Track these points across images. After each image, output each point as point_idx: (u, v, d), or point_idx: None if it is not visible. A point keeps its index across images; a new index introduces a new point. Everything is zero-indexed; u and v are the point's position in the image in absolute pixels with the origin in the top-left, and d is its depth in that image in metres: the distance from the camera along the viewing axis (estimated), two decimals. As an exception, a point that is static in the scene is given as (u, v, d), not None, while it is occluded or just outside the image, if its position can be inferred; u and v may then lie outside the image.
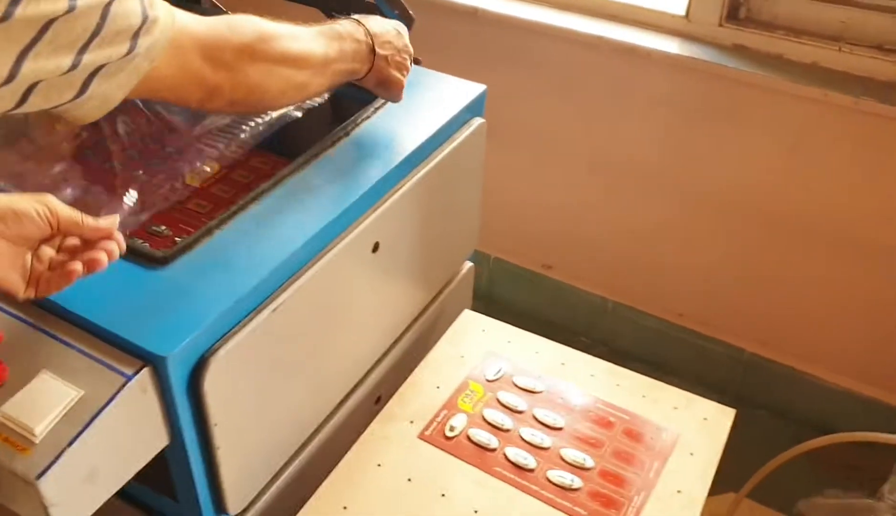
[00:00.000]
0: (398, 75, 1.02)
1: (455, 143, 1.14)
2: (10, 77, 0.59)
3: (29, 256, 0.75)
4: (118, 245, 0.77)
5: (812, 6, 1.55)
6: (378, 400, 1.17)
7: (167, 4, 0.74)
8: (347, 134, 1.07)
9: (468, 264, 1.35)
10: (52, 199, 0.76)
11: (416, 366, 1.20)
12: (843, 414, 1.74)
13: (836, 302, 1.69)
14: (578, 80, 1.74)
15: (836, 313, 1.70)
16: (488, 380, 1.14)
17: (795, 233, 1.66)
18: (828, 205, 1.60)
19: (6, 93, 0.60)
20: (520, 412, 1.10)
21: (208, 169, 1.19)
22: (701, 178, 1.71)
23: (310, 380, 1.01)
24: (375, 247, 1.03)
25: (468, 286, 1.37)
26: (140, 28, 0.68)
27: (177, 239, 1.04)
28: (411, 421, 1.08)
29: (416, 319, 1.23)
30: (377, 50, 0.98)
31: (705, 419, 1.12)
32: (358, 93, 1.08)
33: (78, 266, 0.74)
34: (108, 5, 0.64)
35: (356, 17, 1.00)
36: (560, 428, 1.08)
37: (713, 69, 1.59)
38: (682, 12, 1.64)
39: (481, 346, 1.20)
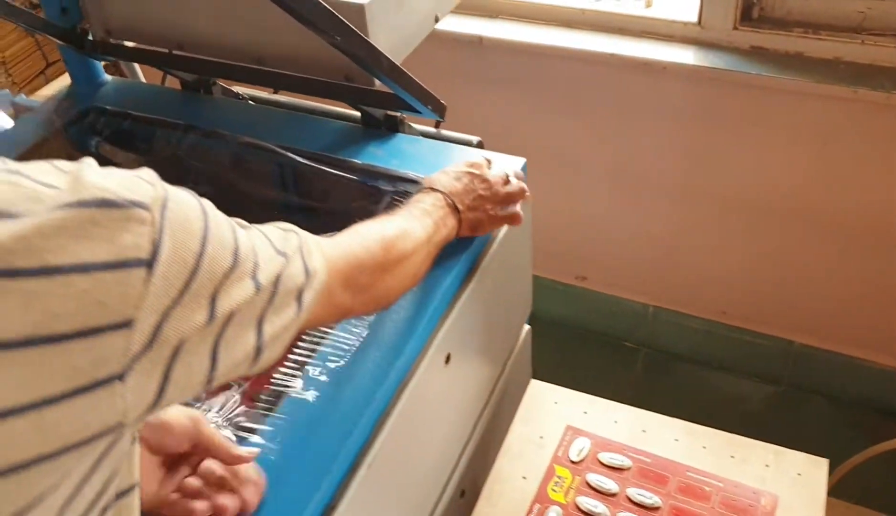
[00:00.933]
0: (483, 216, 0.98)
1: (504, 228, 1.09)
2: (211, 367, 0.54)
3: (161, 471, 0.72)
4: (256, 488, 0.74)
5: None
6: (463, 494, 1.14)
7: (316, 243, 0.69)
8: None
9: (526, 327, 1.31)
10: (200, 416, 0.73)
11: (491, 447, 1.17)
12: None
13: (876, 289, 1.66)
14: (592, 97, 1.68)
15: (878, 299, 1.67)
16: (573, 462, 1.11)
17: (830, 228, 1.62)
18: (862, 200, 1.56)
19: (204, 379, 0.55)
20: (613, 495, 1.07)
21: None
22: (729, 183, 1.66)
23: (401, 498, 0.97)
24: (448, 359, 0.99)
25: (528, 349, 1.32)
26: (304, 285, 0.64)
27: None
28: (505, 522, 1.05)
29: (487, 399, 1.19)
30: (458, 206, 0.95)
31: (799, 474, 1.09)
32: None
33: (201, 506, 0.70)
34: (280, 273, 0.60)
35: (426, 182, 0.97)
36: (657, 508, 1.05)
37: (732, 76, 1.53)
38: (694, 19, 1.58)
39: (558, 422, 1.16)
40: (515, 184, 1.03)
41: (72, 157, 0.50)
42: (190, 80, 1.29)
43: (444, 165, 1.11)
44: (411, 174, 1.09)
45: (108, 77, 1.36)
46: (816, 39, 1.50)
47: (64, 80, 1.73)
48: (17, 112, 1.46)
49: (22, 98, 1.57)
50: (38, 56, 2.01)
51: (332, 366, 0.88)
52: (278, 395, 0.86)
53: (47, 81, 2.02)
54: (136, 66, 1.52)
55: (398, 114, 1.18)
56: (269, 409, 0.85)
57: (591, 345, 2.01)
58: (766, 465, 1.10)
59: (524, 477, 1.10)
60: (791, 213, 1.64)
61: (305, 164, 1.13)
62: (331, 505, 0.80)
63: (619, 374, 1.95)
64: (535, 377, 1.26)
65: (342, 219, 1.17)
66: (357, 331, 0.92)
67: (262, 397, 0.88)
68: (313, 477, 0.79)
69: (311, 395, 0.85)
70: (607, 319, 1.97)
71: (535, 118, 1.75)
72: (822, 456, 1.12)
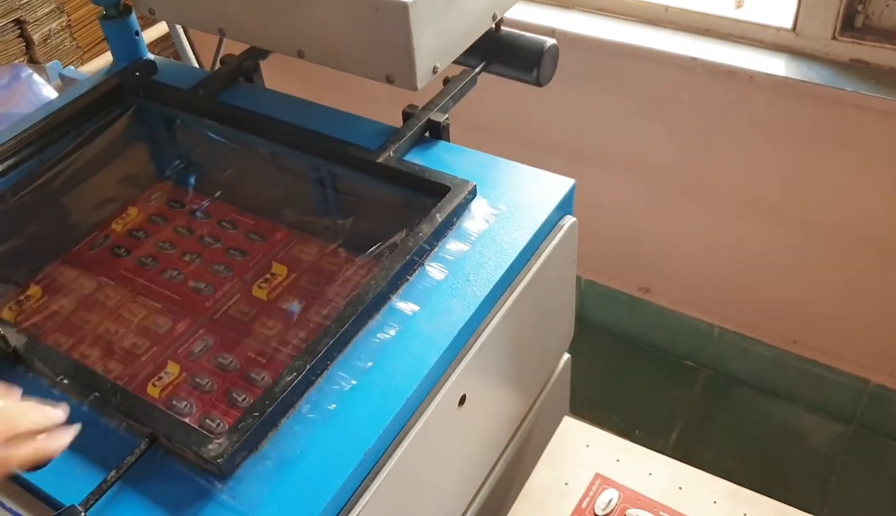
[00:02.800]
0: None
1: (546, 254, 0.98)
2: None
3: None
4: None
5: (945, 10, 1.31)
6: (477, 532, 1.04)
7: None
8: (421, 263, 0.92)
9: (566, 356, 1.19)
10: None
11: (512, 486, 1.07)
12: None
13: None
14: (670, 102, 1.53)
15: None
16: (598, 516, 1.00)
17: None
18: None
19: None
20: (636, 557, 0.96)
21: (276, 273, 1.07)
22: (813, 207, 1.50)
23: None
24: (462, 401, 0.89)
25: (566, 381, 1.21)
26: None
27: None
28: (515, 576, 0.95)
29: (512, 436, 1.09)
30: None
31: (850, 557, 0.95)
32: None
33: None
34: None
35: None
36: (684, 578, 0.94)
37: (826, 92, 1.36)
38: (789, 25, 1.41)
39: (586, 468, 1.05)
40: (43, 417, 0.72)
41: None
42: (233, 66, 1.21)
43: (481, 175, 1.01)
44: (449, 178, 0.99)
45: (150, 56, 1.29)
46: (927, 57, 1.32)
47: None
48: (64, 85, 1.42)
49: (71, 70, 1.53)
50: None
51: (327, 406, 0.79)
52: (266, 430, 0.77)
53: (111, 48, 1.99)
54: (187, 45, 1.45)
55: (441, 120, 1.07)
56: (255, 445, 0.77)
57: (648, 359, 1.87)
58: (815, 544, 0.97)
59: (542, 526, 1.00)
60: (882, 243, 1.46)
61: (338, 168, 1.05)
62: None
63: (675, 393, 1.82)
64: (582, 388, 1.14)
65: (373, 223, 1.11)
66: (358, 365, 0.82)
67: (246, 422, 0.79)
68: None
69: (301, 434, 0.77)
70: (668, 336, 1.83)
71: (608, 119, 1.61)
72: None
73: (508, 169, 1.03)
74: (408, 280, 0.90)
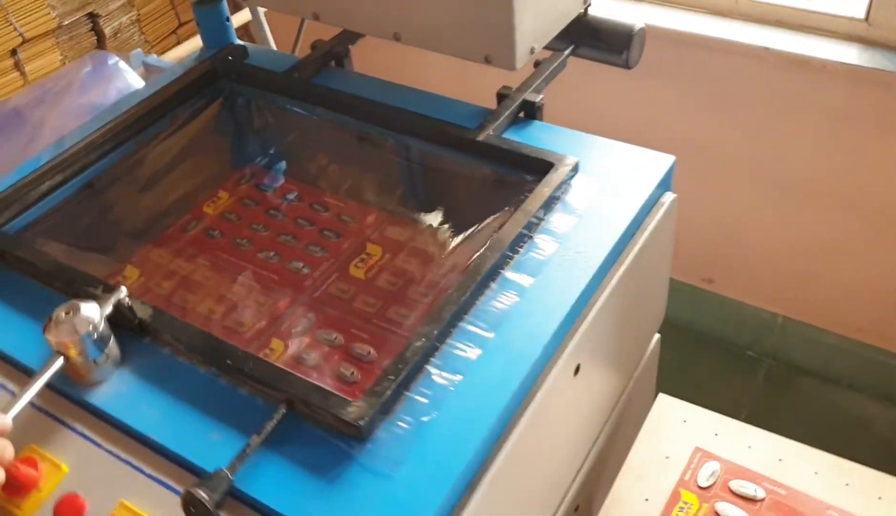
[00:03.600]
0: None
1: (648, 230, 0.98)
2: None
3: None
4: None
5: None
6: (577, 509, 1.05)
7: None
8: (530, 236, 0.93)
9: (656, 336, 1.20)
10: None
11: (609, 464, 1.08)
12: None
13: None
14: (741, 93, 1.54)
15: None
16: (702, 488, 1.00)
17: None
18: None
19: None
20: (743, 528, 0.96)
21: (371, 254, 1.08)
22: (883, 195, 1.50)
23: (518, 512, 0.89)
24: (577, 370, 0.90)
25: (655, 361, 1.22)
26: None
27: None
28: (623, 547, 0.96)
29: (610, 412, 1.09)
30: None
31: (958, 526, 0.95)
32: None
33: None
34: None
35: None
36: (792, 548, 0.94)
37: (898, 78, 1.37)
38: (862, 15, 1.42)
39: (686, 442, 1.05)
40: None
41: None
42: (323, 53, 1.23)
43: (581, 152, 1.01)
44: (551, 154, 1.00)
45: (239, 41, 1.31)
46: None
47: (195, 42, 1.70)
48: (147, 72, 1.44)
49: (153, 58, 1.55)
50: (172, 15, 1.99)
51: (454, 371, 0.80)
52: (395, 398, 0.78)
53: (178, 42, 2.01)
54: (268, 31, 1.47)
55: (537, 100, 1.08)
56: (389, 408, 0.77)
57: (711, 350, 1.87)
58: (920, 514, 0.97)
59: (646, 500, 1.00)
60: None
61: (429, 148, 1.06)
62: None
63: (738, 384, 1.81)
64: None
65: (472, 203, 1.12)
66: (480, 333, 0.83)
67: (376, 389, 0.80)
68: (432, 491, 0.71)
69: (431, 402, 0.78)
70: (732, 326, 1.83)
71: (677, 110, 1.62)
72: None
73: (607, 146, 1.04)
74: (518, 253, 0.91)
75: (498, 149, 1.02)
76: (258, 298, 1.04)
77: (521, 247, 0.91)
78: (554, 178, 0.96)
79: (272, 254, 1.10)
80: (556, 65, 1.12)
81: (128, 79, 1.40)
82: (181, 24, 2.01)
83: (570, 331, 0.87)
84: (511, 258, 0.90)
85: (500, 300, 0.86)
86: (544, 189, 0.95)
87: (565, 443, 0.96)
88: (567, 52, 1.15)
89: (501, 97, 1.10)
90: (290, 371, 0.80)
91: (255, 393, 0.80)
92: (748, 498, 0.99)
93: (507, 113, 1.06)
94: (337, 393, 0.77)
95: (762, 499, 0.99)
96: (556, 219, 0.94)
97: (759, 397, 1.79)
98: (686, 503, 0.99)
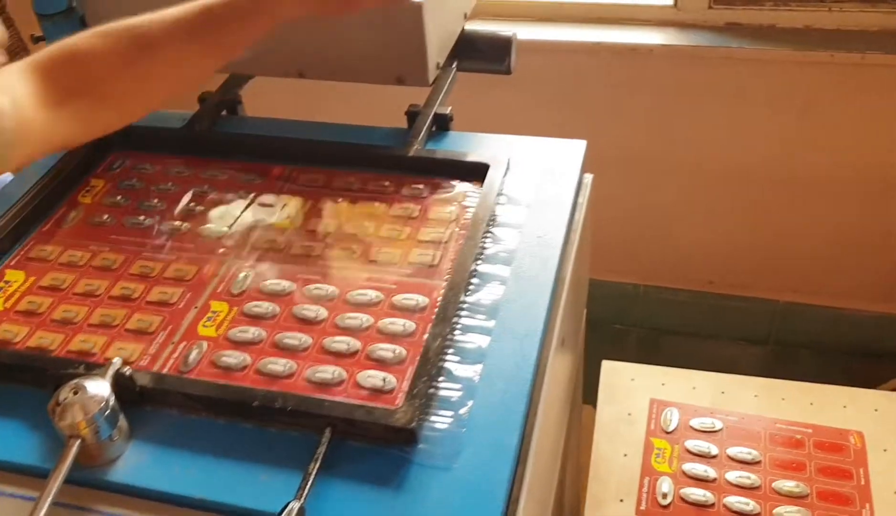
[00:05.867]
0: None
1: (583, 207, 1.08)
2: None
3: None
4: None
5: (791, -28, 1.55)
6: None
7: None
8: (491, 232, 0.99)
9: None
10: None
11: (572, 430, 1.16)
12: (881, 337, 1.81)
13: (860, 241, 1.73)
14: (584, 85, 1.69)
15: (861, 251, 1.75)
16: (668, 433, 1.11)
17: (809, 186, 1.69)
18: (843, 157, 1.63)
19: None
20: (714, 456, 1.07)
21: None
22: (711, 155, 1.71)
23: (543, 486, 0.94)
24: (563, 342, 0.97)
25: (584, 331, 1.31)
26: None
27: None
28: (621, 500, 1.04)
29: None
30: None
31: (876, 410, 1.12)
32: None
33: None
34: None
35: None
36: (759, 462, 1.06)
37: (712, 51, 1.57)
38: (670, 2, 1.62)
39: (641, 397, 1.16)
40: None
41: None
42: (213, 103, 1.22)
43: (503, 152, 1.08)
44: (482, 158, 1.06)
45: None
46: (787, 10, 1.56)
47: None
48: None
49: None
50: None
51: (473, 363, 0.84)
52: (432, 397, 0.81)
53: None
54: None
55: (447, 112, 1.15)
56: (426, 411, 0.80)
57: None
58: (844, 406, 1.13)
59: (625, 455, 1.09)
60: (772, 178, 1.70)
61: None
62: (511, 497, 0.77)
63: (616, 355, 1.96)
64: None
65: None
66: (483, 323, 0.88)
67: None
68: (497, 470, 0.75)
69: (464, 393, 0.82)
70: (598, 304, 1.98)
71: (532, 110, 1.74)
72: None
73: (524, 143, 1.12)
74: (486, 248, 0.96)
75: (433, 161, 1.07)
76: (182, 267, 0.98)
77: (485, 243, 0.97)
78: (494, 177, 1.03)
79: (179, 223, 1.04)
80: (451, 78, 1.20)
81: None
82: None
83: (553, 306, 0.94)
84: (482, 254, 0.95)
85: (487, 292, 0.91)
86: (491, 186, 1.01)
87: (560, 412, 1.03)
88: (454, 65, 1.22)
89: (412, 115, 1.15)
90: (323, 397, 0.80)
91: (286, 428, 0.80)
92: (709, 430, 1.10)
93: (425, 126, 1.12)
94: (378, 405, 0.79)
95: (721, 429, 1.10)
96: (509, 213, 1.01)
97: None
98: (660, 449, 1.09)
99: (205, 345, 0.89)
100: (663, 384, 1.18)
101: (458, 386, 0.82)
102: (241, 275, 0.97)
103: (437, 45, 1.06)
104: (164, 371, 0.87)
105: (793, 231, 1.75)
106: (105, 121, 0.82)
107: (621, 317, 1.98)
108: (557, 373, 0.96)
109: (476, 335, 0.87)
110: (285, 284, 0.95)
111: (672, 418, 1.12)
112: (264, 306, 0.93)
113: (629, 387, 1.18)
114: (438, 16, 1.04)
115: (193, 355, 0.88)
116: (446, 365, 0.84)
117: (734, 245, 1.82)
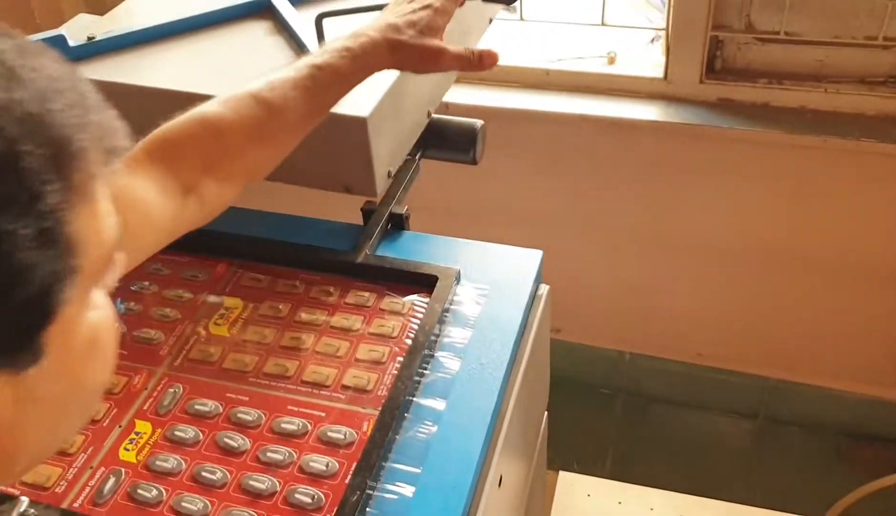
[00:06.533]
0: (429, 40, 0.87)
1: (535, 325, 1.02)
2: None
3: None
4: None
5: (785, 49, 1.48)
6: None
7: None
8: (432, 355, 0.93)
9: (545, 414, 1.24)
10: None
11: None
12: (872, 419, 1.74)
13: (849, 322, 1.66)
14: (565, 156, 1.63)
15: (850, 332, 1.68)
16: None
17: (802, 266, 1.62)
18: (834, 240, 1.56)
19: None
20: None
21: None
22: (700, 232, 1.64)
23: None
24: (500, 482, 0.91)
25: (545, 436, 1.26)
26: None
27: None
28: None
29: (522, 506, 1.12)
30: (382, 27, 0.85)
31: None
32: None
33: None
34: None
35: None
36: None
37: (702, 130, 1.51)
38: (660, 74, 1.55)
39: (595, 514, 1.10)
40: None
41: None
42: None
43: (455, 259, 1.03)
44: (432, 267, 1.01)
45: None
46: (781, 89, 1.49)
47: None
48: None
49: None
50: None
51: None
52: None
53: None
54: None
55: (403, 212, 1.10)
56: None
57: (568, 394, 1.96)
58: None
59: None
60: (761, 255, 1.63)
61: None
62: None
63: (598, 422, 1.91)
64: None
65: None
66: (410, 470, 0.83)
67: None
68: None
69: None
70: (583, 368, 1.93)
71: (510, 179, 1.69)
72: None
73: (479, 249, 1.07)
74: (425, 375, 0.91)
75: (381, 269, 1.02)
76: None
77: (425, 369, 0.92)
78: (441, 291, 0.98)
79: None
80: (412, 172, 1.14)
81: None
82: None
83: (490, 446, 0.88)
84: (419, 383, 0.90)
85: (419, 430, 0.86)
86: (435, 304, 0.96)
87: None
88: (418, 156, 1.17)
89: (367, 213, 1.10)
90: None
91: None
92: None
93: (377, 229, 1.07)
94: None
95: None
96: (453, 333, 0.96)
97: (621, 430, 1.89)
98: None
99: (122, 473, 0.85)
100: (620, 502, 1.12)
101: (375, 547, 0.78)
102: (171, 390, 0.93)
103: (388, 154, 1.00)
104: (77, 503, 0.83)
105: (785, 309, 1.68)
106: (228, 196, 0.82)
107: (607, 382, 1.93)
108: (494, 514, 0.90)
109: (400, 484, 0.82)
110: (211, 405, 0.91)
111: (625, 543, 1.06)
112: (188, 431, 0.88)
113: (584, 504, 1.12)
114: (390, 126, 0.99)
115: (110, 485, 0.84)
116: (364, 516, 0.79)
117: (725, 319, 1.75)
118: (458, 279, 1.01)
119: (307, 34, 1.05)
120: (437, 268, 1.01)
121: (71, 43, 1.06)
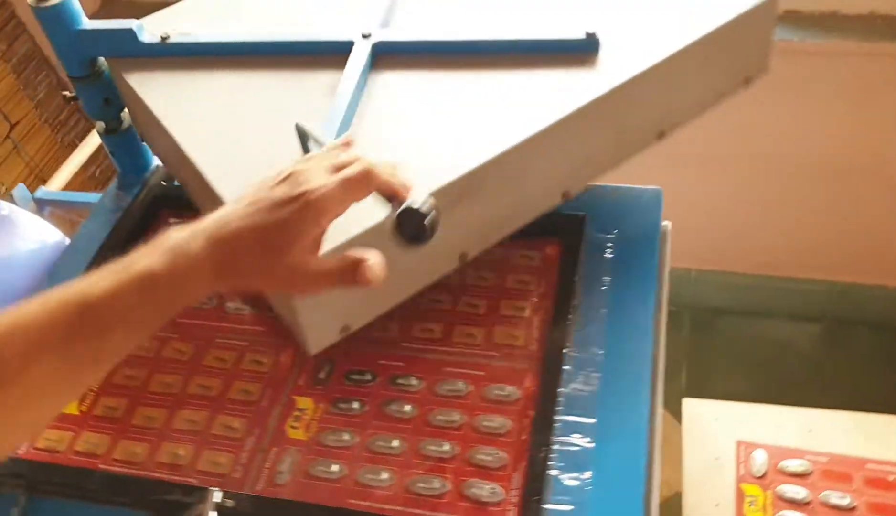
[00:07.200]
0: (285, 201, 0.57)
1: (667, 260, 1.03)
2: None
3: None
4: None
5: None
6: None
7: None
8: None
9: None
10: None
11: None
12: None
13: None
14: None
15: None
16: (758, 478, 1.07)
17: (869, 177, 1.62)
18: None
19: None
20: (807, 503, 1.04)
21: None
22: (767, 145, 1.63)
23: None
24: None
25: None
26: None
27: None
28: (718, 555, 1.01)
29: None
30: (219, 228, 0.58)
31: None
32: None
33: None
34: None
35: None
36: (854, 508, 1.03)
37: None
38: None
39: (726, 439, 1.12)
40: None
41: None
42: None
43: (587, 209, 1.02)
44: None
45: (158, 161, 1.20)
46: (850, -4, 1.46)
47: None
48: (39, 207, 1.26)
49: (44, 192, 1.37)
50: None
51: (582, 473, 0.81)
52: None
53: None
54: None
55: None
56: None
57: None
58: (939, 443, 1.09)
59: (717, 505, 1.06)
60: (832, 168, 1.62)
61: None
62: None
63: (669, 337, 1.93)
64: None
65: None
66: (585, 425, 0.84)
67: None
68: None
69: (576, 508, 0.78)
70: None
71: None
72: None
73: (597, 192, 1.06)
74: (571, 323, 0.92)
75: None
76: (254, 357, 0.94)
77: (569, 319, 0.92)
78: (572, 239, 0.98)
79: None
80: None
81: (28, 229, 1.19)
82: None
83: (652, 389, 0.89)
84: (569, 331, 0.91)
85: (584, 381, 0.87)
86: (569, 254, 0.96)
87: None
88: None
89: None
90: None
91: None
92: (799, 474, 1.07)
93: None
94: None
95: (811, 472, 1.07)
96: (593, 278, 0.96)
97: (690, 345, 1.92)
98: (752, 496, 1.06)
99: (295, 452, 0.86)
100: (748, 422, 1.14)
101: (568, 498, 0.79)
102: (322, 363, 0.93)
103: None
104: (259, 486, 0.83)
105: (851, 217, 1.69)
106: None
107: (675, 299, 1.94)
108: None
109: (579, 437, 0.83)
110: (368, 374, 0.91)
111: (762, 461, 1.08)
112: (352, 403, 0.89)
113: (713, 427, 1.14)
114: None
115: (286, 465, 0.85)
116: (554, 474, 0.80)
117: (789, 230, 1.76)
118: (584, 224, 1.01)
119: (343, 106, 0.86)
120: (563, 217, 1.00)
121: (144, 39, 1.00)
